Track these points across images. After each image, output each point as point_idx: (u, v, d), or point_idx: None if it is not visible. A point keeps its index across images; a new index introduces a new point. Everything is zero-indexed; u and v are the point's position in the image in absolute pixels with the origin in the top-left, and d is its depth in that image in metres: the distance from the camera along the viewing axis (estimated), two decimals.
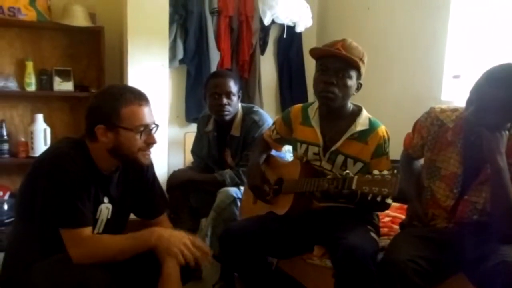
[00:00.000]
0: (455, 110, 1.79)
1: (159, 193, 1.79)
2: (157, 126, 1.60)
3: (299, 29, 3.78)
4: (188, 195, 2.56)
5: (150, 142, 1.57)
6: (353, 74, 1.78)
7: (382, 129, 1.86)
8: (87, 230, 1.49)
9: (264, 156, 2.16)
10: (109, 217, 1.63)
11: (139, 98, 1.54)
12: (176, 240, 1.52)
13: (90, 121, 1.54)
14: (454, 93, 2.80)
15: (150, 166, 1.75)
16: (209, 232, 2.28)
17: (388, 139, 1.86)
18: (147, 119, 1.55)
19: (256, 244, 1.87)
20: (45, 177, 1.46)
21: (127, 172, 1.68)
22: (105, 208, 1.62)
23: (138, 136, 1.53)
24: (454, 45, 2.82)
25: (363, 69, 1.81)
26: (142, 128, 1.53)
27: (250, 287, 2.11)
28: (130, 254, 1.51)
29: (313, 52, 1.85)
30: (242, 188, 2.33)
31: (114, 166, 1.63)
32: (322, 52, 1.82)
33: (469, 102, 1.64)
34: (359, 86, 1.84)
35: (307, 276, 2.03)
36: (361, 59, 1.79)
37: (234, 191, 2.33)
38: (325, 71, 1.79)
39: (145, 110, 1.55)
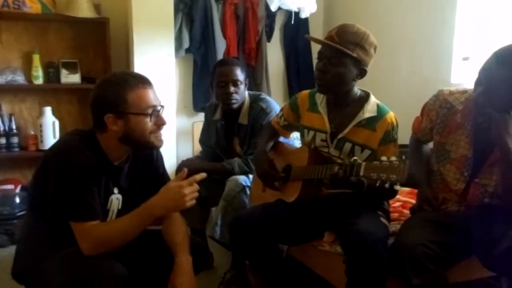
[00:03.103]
0: (464, 92, 1.76)
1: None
2: (163, 107, 1.59)
3: (304, 14, 3.75)
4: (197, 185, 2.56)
5: (160, 123, 1.57)
6: (347, 61, 1.74)
7: (390, 115, 1.83)
8: (95, 223, 1.49)
9: (271, 143, 2.15)
10: (119, 207, 1.64)
11: (142, 81, 1.54)
12: (178, 199, 1.49)
13: (97, 112, 1.53)
14: (464, 76, 2.76)
15: (160, 156, 1.76)
16: (219, 221, 2.28)
17: (397, 125, 1.84)
18: (154, 101, 1.55)
19: (266, 232, 1.87)
20: (54, 170, 1.47)
21: (137, 163, 1.69)
22: (116, 199, 1.62)
23: (148, 119, 1.53)
24: (463, 26, 2.78)
25: (362, 55, 1.74)
26: (150, 111, 1.53)
27: (261, 275, 2.13)
28: (138, 233, 1.50)
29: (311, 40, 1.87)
30: (251, 176, 2.33)
31: (125, 156, 1.63)
32: (314, 41, 1.83)
33: (478, 83, 1.62)
34: (362, 73, 1.78)
35: (318, 263, 2.03)
36: (357, 45, 1.73)
37: (243, 179, 2.33)
38: (320, 59, 1.80)
39: (150, 92, 1.55)
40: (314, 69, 1.84)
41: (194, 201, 1.52)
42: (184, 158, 2.87)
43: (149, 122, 1.54)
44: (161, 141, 1.61)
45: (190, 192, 1.50)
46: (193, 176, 1.51)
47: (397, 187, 1.48)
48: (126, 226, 1.50)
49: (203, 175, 1.54)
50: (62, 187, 1.45)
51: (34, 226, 1.59)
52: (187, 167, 2.51)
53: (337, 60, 1.74)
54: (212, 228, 2.30)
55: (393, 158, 1.51)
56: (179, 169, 2.58)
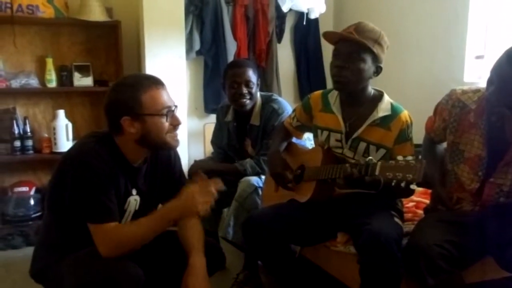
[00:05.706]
0: (477, 91, 1.75)
1: (185, 184, 1.79)
2: (177, 106, 1.61)
3: (313, 15, 3.75)
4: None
5: (175, 123, 1.59)
6: (367, 57, 1.75)
7: (405, 114, 1.83)
8: (113, 225, 1.50)
9: (284, 144, 2.15)
10: (136, 208, 1.65)
11: (155, 82, 1.56)
12: (191, 205, 1.54)
13: (113, 115, 1.54)
14: (478, 74, 2.73)
15: (177, 157, 1.77)
16: (232, 222, 2.29)
17: (411, 124, 1.83)
18: (168, 101, 1.56)
19: (279, 232, 1.87)
20: (71, 173, 1.48)
21: (155, 164, 1.70)
22: (133, 200, 1.63)
23: (164, 120, 1.54)
24: (477, 24, 2.75)
25: (379, 52, 1.77)
26: (165, 111, 1.55)
27: (274, 275, 2.13)
28: (154, 236, 1.53)
29: (327, 37, 1.85)
30: (263, 177, 2.33)
31: (143, 157, 1.64)
32: (333, 36, 1.82)
33: (490, 81, 1.60)
34: (378, 70, 1.80)
35: (331, 263, 2.03)
36: (376, 41, 1.75)
37: (255, 180, 2.33)
38: (337, 56, 1.79)
39: (163, 92, 1.56)
40: (330, 67, 1.81)
41: (208, 209, 1.54)
42: (196, 160, 2.88)
43: (165, 123, 1.55)
44: (177, 141, 1.62)
45: (204, 200, 1.52)
46: (209, 182, 1.53)
47: (413, 187, 1.47)
48: (143, 229, 1.51)
49: (218, 184, 1.56)
50: (79, 190, 1.47)
51: (51, 227, 1.61)
52: (199, 168, 2.55)
53: (357, 55, 1.74)
54: (225, 229, 2.31)
55: (409, 157, 1.49)
56: (191, 170, 2.60)
